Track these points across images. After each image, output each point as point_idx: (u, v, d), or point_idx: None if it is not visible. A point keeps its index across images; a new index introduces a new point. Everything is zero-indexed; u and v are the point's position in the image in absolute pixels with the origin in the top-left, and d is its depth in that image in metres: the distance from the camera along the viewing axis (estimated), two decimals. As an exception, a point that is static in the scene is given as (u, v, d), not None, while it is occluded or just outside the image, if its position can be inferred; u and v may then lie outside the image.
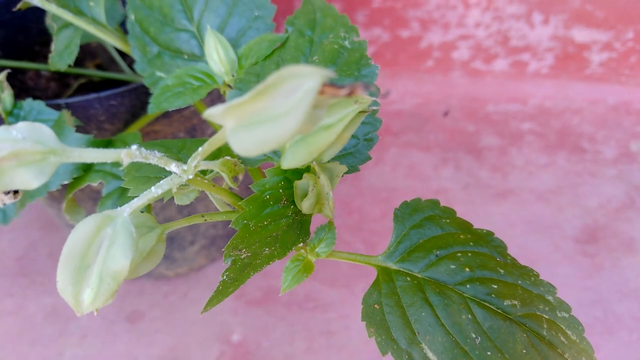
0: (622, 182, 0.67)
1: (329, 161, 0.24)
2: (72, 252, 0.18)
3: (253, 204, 0.22)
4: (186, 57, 0.35)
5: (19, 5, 0.38)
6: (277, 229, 0.23)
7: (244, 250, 0.23)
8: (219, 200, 0.25)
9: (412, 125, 0.77)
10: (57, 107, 0.37)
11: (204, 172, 0.26)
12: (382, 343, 0.24)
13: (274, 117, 0.15)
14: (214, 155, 0.26)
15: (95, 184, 0.35)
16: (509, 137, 0.74)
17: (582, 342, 0.24)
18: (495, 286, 0.25)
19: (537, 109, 0.78)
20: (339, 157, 0.27)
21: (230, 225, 0.22)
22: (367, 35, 0.80)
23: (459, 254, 0.26)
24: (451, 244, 0.26)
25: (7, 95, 0.36)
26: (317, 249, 0.27)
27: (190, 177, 0.20)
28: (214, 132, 0.48)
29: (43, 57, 0.54)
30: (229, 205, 0.25)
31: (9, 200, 0.17)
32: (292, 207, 0.24)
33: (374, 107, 0.25)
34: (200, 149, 0.19)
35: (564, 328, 0.24)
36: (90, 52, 0.54)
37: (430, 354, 0.23)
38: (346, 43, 0.30)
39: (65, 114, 0.36)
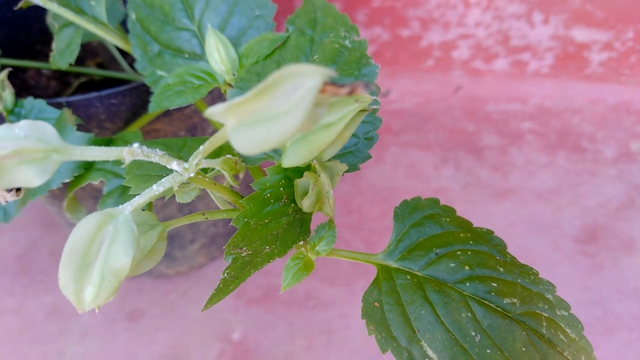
0: (622, 182, 0.67)
1: (329, 160, 0.24)
2: (73, 249, 0.18)
3: (254, 202, 0.22)
4: (187, 56, 0.35)
5: (20, 4, 0.39)
6: (277, 227, 0.23)
7: (244, 248, 0.23)
8: (220, 199, 0.25)
9: (412, 125, 0.77)
10: (58, 106, 0.37)
11: (205, 171, 0.26)
12: (382, 341, 0.24)
13: (275, 116, 0.15)
14: (215, 154, 0.26)
15: (96, 183, 0.35)
16: (509, 137, 0.74)
17: (582, 340, 0.24)
18: (495, 284, 0.25)
19: (537, 108, 0.78)
20: (339, 156, 0.27)
21: (231, 224, 0.22)
22: (367, 35, 0.81)
23: (459, 253, 0.26)
24: (451, 242, 0.26)
25: (8, 93, 0.36)
26: (317, 247, 0.27)
27: (192, 175, 0.20)
28: (214, 131, 0.48)
29: (44, 55, 0.54)
30: (229, 203, 0.25)
31: (11, 197, 0.17)
32: (292, 205, 0.24)
33: (374, 106, 0.25)
34: (201, 147, 0.19)
35: (563, 326, 0.24)
36: (91, 50, 0.54)
37: (430, 352, 0.23)
38: (347, 42, 0.30)
39: (66, 112, 0.36)
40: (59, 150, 0.17)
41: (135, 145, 0.18)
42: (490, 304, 0.25)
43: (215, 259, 0.61)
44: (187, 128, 0.45)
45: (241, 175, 0.26)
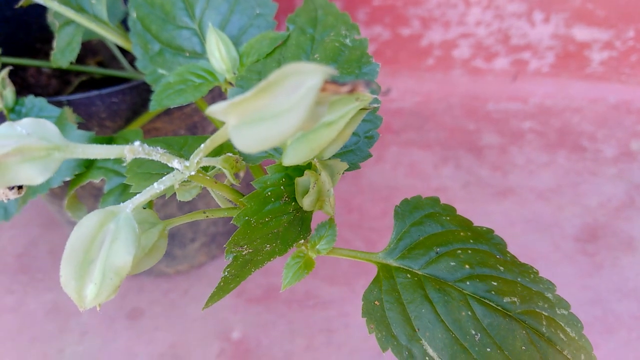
0: (622, 181, 0.67)
1: (330, 158, 0.24)
2: (75, 247, 0.18)
3: (254, 200, 0.22)
4: (188, 54, 0.35)
5: (21, 3, 0.39)
6: (278, 225, 0.23)
7: (245, 246, 0.23)
8: (221, 197, 0.26)
9: (412, 124, 0.77)
10: (59, 104, 0.37)
11: (205, 169, 0.26)
12: (383, 339, 0.24)
13: (276, 114, 0.15)
14: (216, 152, 0.26)
15: (97, 181, 0.35)
16: (510, 136, 0.74)
17: (581, 339, 0.24)
18: (495, 283, 0.25)
19: (538, 107, 0.78)
20: (340, 154, 0.27)
21: (231, 222, 0.22)
22: (367, 33, 0.81)
23: (459, 251, 0.26)
24: (451, 241, 0.26)
25: (9, 92, 0.36)
26: (317, 246, 0.27)
27: (193, 173, 0.20)
28: (215, 129, 0.48)
29: (44, 54, 0.54)
30: (230, 201, 0.25)
31: (13, 195, 0.17)
32: (293, 203, 0.24)
33: (375, 105, 0.25)
34: (202, 145, 0.19)
35: (563, 325, 0.25)
36: (91, 49, 0.54)
37: (430, 350, 0.23)
38: (347, 41, 0.30)
39: (67, 111, 0.36)
40: (61, 148, 0.17)
41: (137, 143, 0.18)
42: (490, 303, 0.25)
43: (215, 257, 0.61)
44: (187, 127, 0.45)
45: (242, 174, 0.26)
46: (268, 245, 0.24)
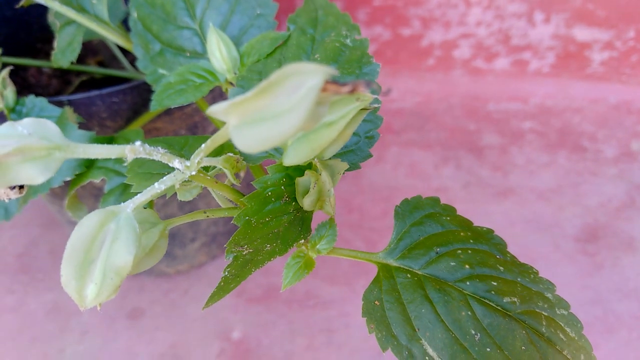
0: (622, 181, 0.67)
1: (330, 158, 0.24)
2: (76, 247, 0.18)
3: (255, 200, 0.22)
4: (188, 54, 0.35)
5: (22, 3, 0.39)
6: (278, 225, 0.23)
7: (245, 246, 0.23)
8: (221, 197, 0.26)
9: (413, 124, 0.78)
10: (60, 104, 0.37)
11: (206, 169, 0.26)
12: (383, 339, 0.24)
13: (277, 115, 0.15)
14: (216, 152, 0.26)
15: (97, 181, 0.35)
16: (510, 136, 0.74)
17: (581, 339, 0.24)
18: (495, 283, 0.25)
19: (538, 107, 0.78)
20: (341, 155, 0.27)
21: (232, 222, 0.22)
22: (368, 33, 0.81)
23: (459, 251, 0.26)
24: (451, 241, 0.26)
25: (10, 92, 0.36)
26: (318, 246, 0.27)
27: (193, 173, 0.20)
28: (215, 129, 0.48)
29: (45, 54, 0.54)
30: (231, 201, 0.25)
31: (14, 195, 0.17)
32: (293, 203, 0.24)
33: (376, 105, 0.25)
34: (203, 145, 0.19)
35: (562, 325, 0.25)
36: (91, 49, 0.54)
37: (430, 350, 0.23)
38: (348, 41, 0.30)
39: (68, 110, 0.36)
40: (61, 148, 0.17)
41: (138, 143, 0.18)
42: (490, 303, 0.25)
43: (215, 257, 0.61)
44: (187, 126, 0.45)
45: (242, 174, 0.26)
46: (268, 245, 0.24)
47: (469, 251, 0.26)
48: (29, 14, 0.53)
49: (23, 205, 0.35)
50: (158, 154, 0.19)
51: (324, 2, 0.33)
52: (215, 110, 0.16)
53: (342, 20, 0.32)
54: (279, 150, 0.28)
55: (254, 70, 0.31)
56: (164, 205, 0.50)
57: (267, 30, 0.34)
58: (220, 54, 0.32)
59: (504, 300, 0.24)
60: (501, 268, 0.25)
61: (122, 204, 0.19)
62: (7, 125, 0.17)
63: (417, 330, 0.24)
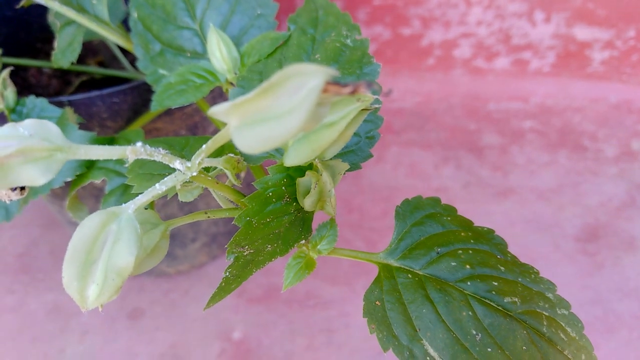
0: (623, 181, 0.67)
1: (331, 159, 0.24)
2: (77, 248, 0.18)
3: (256, 201, 0.22)
4: (189, 54, 0.35)
5: (22, 3, 0.39)
6: (279, 226, 0.23)
7: (246, 247, 0.23)
8: (222, 197, 0.26)
9: (413, 124, 0.77)
10: (60, 105, 0.37)
11: (207, 169, 0.26)
12: (384, 339, 0.24)
13: (278, 115, 0.15)
14: (217, 153, 0.26)
15: (97, 181, 0.35)
16: (510, 136, 0.74)
17: (582, 339, 0.24)
18: (496, 283, 0.25)
19: (539, 107, 0.78)
20: (341, 155, 0.27)
21: (233, 222, 0.22)
22: (368, 33, 0.81)
23: (460, 252, 0.26)
24: (452, 241, 0.26)
25: (10, 92, 0.36)
26: (318, 246, 0.27)
27: (194, 174, 0.20)
28: (215, 130, 0.48)
29: (45, 54, 0.54)
30: (231, 202, 0.25)
31: (15, 196, 0.17)
32: (294, 204, 0.24)
33: (376, 105, 0.25)
34: (204, 146, 0.19)
35: (563, 325, 0.25)
36: (92, 49, 0.54)
37: (431, 350, 0.23)
38: (348, 41, 0.30)
39: (68, 111, 0.36)
40: (63, 149, 0.17)
41: (139, 144, 0.18)
42: (491, 303, 0.25)
43: (216, 257, 0.61)
44: (188, 127, 0.45)
45: (242, 174, 0.26)
46: (269, 246, 0.24)
47: (470, 251, 0.26)
48: (29, 14, 0.53)
49: (24, 205, 0.35)
50: (159, 154, 0.19)
51: (324, 2, 0.32)
52: (217, 111, 0.16)
53: (342, 20, 0.31)
54: (279, 151, 0.28)
55: (255, 71, 0.31)
56: (164, 206, 0.50)
57: (267, 30, 0.34)
58: (220, 54, 0.32)
59: (505, 301, 0.24)
60: (502, 268, 0.25)
61: (124, 204, 0.19)
62: (8, 126, 0.17)
63: (418, 330, 0.24)
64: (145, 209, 0.23)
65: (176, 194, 0.25)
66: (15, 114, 0.36)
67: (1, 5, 0.52)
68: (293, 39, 0.31)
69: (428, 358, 0.23)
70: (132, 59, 0.50)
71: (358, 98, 0.20)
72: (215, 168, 0.26)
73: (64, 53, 0.37)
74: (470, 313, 0.24)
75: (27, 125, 0.17)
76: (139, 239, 0.19)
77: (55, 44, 0.38)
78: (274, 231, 0.23)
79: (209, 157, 0.21)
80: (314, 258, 0.27)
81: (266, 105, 0.15)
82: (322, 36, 0.31)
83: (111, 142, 0.37)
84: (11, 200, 0.17)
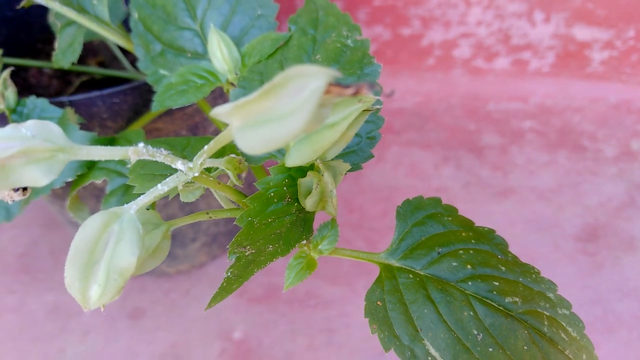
0: (622, 181, 0.67)
1: (332, 159, 0.24)
2: (79, 248, 0.18)
3: (257, 201, 0.22)
4: (189, 55, 0.35)
5: (23, 3, 0.39)
6: (280, 226, 0.24)
7: (248, 247, 0.23)
8: (224, 198, 0.26)
9: (413, 124, 0.78)
10: (61, 105, 0.37)
11: (208, 170, 0.26)
12: (385, 339, 0.24)
13: (281, 116, 0.15)
14: (219, 153, 0.26)
15: (98, 182, 0.35)
16: (510, 136, 0.75)
17: (583, 339, 0.25)
18: (497, 283, 0.25)
19: (538, 107, 0.79)
20: (342, 155, 0.27)
21: (235, 222, 0.22)
22: (368, 33, 0.81)
23: (461, 252, 0.26)
24: (453, 241, 0.26)
25: (11, 92, 0.36)
26: (320, 246, 0.27)
27: (196, 174, 0.20)
28: (216, 130, 0.48)
29: (45, 54, 0.54)
30: (233, 202, 0.26)
31: (17, 197, 0.17)
32: (295, 204, 0.24)
33: (378, 106, 0.25)
34: (206, 146, 0.19)
35: (564, 325, 0.25)
36: (92, 49, 0.54)
37: (432, 350, 0.23)
38: (349, 42, 0.30)
39: (69, 111, 0.36)
40: (65, 149, 0.17)
41: (141, 144, 0.18)
42: (492, 303, 0.25)
43: (216, 257, 0.61)
44: (188, 127, 0.45)
45: (243, 175, 0.26)
46: (271, 246, 0.24)
47: (471, 251, 0.26)
48: (30, 15, 0.53)
49: (25, 206, 0.35)
50: (161, 155, 0.19)
51: (324, 2, 0.33)
52: (219, 113, 0.16)
53: (343, 21, 0.32)
54: (281, 152, 0.28)
55: (255, 71, 0.31)
56: (165, 206, 0.50)
57: (268, 30, 0.34)
58: (221, 54, 0.32)
59: (506, 300, 0.25)
60: (503, 268, 0.25)
61: (126, 205, 0.19)
62: (10, 127, 0.17)
63: (419, 330, 0.24)
64: (147, 209, 0.23)
65: (177, 194, 0.25)
66: (16, 114, 0.36)
67: (1, 5, 0.52)
68: (294, 40, 0.32)
69: (429, 358, 0.23)
70: (132, 59, 0.50)
71: (360, 99, 0.20)
72: (216, 168, 0.26)
73: (64, 53, 0.37)
74: (471, 313, 0.24)
75: (30, 126, 0.17)
76: (141, 240, 0.19)
77: (56, 44, 0.38)
78: (276, 231, 0.24)
79: (210, 157, 0.21)
80: (315, 258, 0.27)
81: (268, 107, 0.15)
82: (323, 37, 0.31)
83: (112, 142, 0.37)
84: (13, 200, 0.17)
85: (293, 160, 0.21)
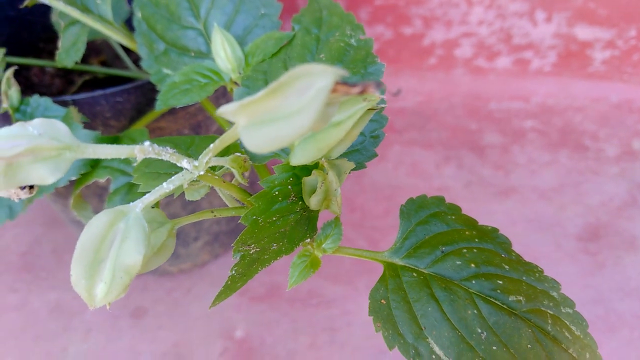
0: (624, 180, 0.67)
1: (336, 158, 0.25)
2: (85, 246, 0.18)
3: (262, 199, 0.23)
4: (193, 54, 0.35)
5: (26, 3, 0.39)
6: (285, 224, 0.24)
7: (252, 245, 0.23)
8: (228, 196, 0.26)
9: (415, 123, 0.78)
10: (63, 104, 0.37)
11: (213, 168, 0.26)
12: (389, 337, 0.24)
13: (287, 115, 0.15)
14: (222, 152, 0.26)
15: (102, 180, 0.35)
16: (512, 135, 0.75)
17: (586, 337, 0.25)
18: (501, 282, 0.25)
19: (540, 106, 0.79)
20: (346, 154, 0.27)
21: (239, 221, 0.22)
22: (370, 33, 0.81)
23: (465, 250, 0.26)
24: (457, 240, 0.26)
25: (14, 91, 0.36)
26: (323, 245, 0.27)
27: (202, 173, 0.20)
28: (219, 129, 0.48)
29: (47, 53, 0.54)
30: (237, 200, 0.26)
31: (24, 195, 0.17)
32: (300, 203, 0.24)
33: (382, 105, 0.25)
34: (211, 145, 0.19)
35: (568, 324, 0.25)
36: (94, 48, 0.54)
37: (436, 349, 0.24)
38: (352, 41, 0.30)
39: (73, 110, 0.36)
40: (72, 148, 0.17)
41: (147, 143, 0.18)
42: (496, 302, 0.25)
43: (218, 256, 0.62)
44: (191, 126, 0.46)
45: (246, 173, 0.26)
46: (275, 244, 0.24)
47: (474, 250, 0.26)
48: (32, 14, 0.53)
49: (28, 204, 0.35)
50: (167, 154, 0.19)
51: (328, 2, 0.33)
52: (225, 111, 0.16)
53: (346, 20, 0.32)
54: (285, 150, 0.28)
55: (259, 70, 0.31)
56: (167, 205, 0.50)
57: (271, 30, 0.34)
58: (225, 53, 0.32)
59: (510, 299, 0.25)
60: (506, 267, 0.26)
61: (131, 203, 0.19)
62: (17, 125, 0.17)
63: (423, 328, 0.24)
64: (152, 207, 0.23)
65: (180, 193, 0.26)
66: (19, 113, 0.36)
67: (4, 4, 0.52)
68: (297, 39, 0.32)
69: (434, 356, 0.23)
70: (134, 58, 0.50)
71: (365, 98, 0.20)
72: (221, 167, 0.26)
73: (68, 52, 0.37)
74: (475, 311, 0.24)
75: (36, 125, 0.17)
76: (146, 238, 0.19)
77: (60, 43, 0.38)
78: (280, 230, 0.24)
79: (215, 156, 0.21)
80: (319, 257, 0.27)
81: (275, 105, 0.15)
82: (327, 36, 0.31)
83: (115, 141, 0.37)
84: (20, 199, 0.17)
85: (298, 158, 0.21)
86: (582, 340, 0.24)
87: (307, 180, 0.24)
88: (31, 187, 0.17)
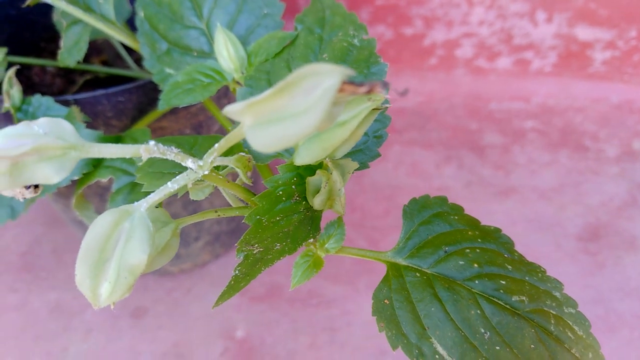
0: (624, 181, 0.67)
1: (340, 158, 0.25)
2: (90, 246, 0.18)
3: (266, 199, 0.23)
4: (195, 54, 0.35)
5: (28, 2, 0.39)
6: (288, 224, 0.24)
7: (256, 245, 0.23)
8: (232, 196, 0.26)
9: (415, 123, 0.78)
10: (65, 103, 0.37)
11: (217, 168, 0.26)
12: (393, 337, 0.24)
13: (294, 114, 0.15)
14: (226, 152, 0.26)
15: (104, 180, 0.35)
16: (512, 135, 0.75)
17: (589, 337, 0.25)
18: (504, 282, 0.25)
19: (540, 107, 0.79)
20: (349, 154, 0.27)
21: (243, 221, 0.22)
22: (371, 33, 0.81)
23: (468, 250, 0.26)
24: (459, 240, 0.26)
25: (16, 91, 0.36)
26: (326, 245, 0.27)
27: (206, 172, 0.20)
28: (220, 129, 0.48)
29: (49, 53, 0.54)
30: (240, 200, 0.26)
31: (29, 194, 0.17)
32: (303, 203, 0.24)
33: (386, 105, 0.25)
34: (216, 145, 0.19)
35: (570, 324, 0.25)
36: (96, 48, 0.54)
37: (440, 349, 0.24)
38: (355, 41, 0.30)
39: (75, 110, 0.36)
40: (77, 147, 0.17)
41: (152, 143, 0.18)
42: (499, 302, 0.25)
43: (219, 256, 0.61)
44: (192, 126, 0.46)
45: (249, 173, 0.26)
46: (278, 244, 0.24)
47: (477, 250, 0.26)
48: (33, 13, 0.53)
49: (30, 204, 0.35)
50: (172, 153, 0.19)
51: (331, 2, 0.33)
52: (231, 111, 0.16)
53: (349, 20, 0.32)
54: (288, 150, 0.28)
55: (262, 70, 0.31)
56: (168, 205, 0.50)
57: (274, 29, 0.34)
58: (227, 53, 0.32)
59: (513, 299, 0.25)
60: (509, 267, 0.26)
61: (136, 203, 0.19)
62: (23, 124, 0.17)
63: (426, 328, 0.24)
64: (156, 207, 0.23)
65: (183, 193, 0.25)
66: (21, 112, 0.36)
67: (5, 4, 0.52)
68: (300, 39, 0.32)
69: (437, 356, 0.23)
70: (136, 57, 0.50)
71: (369, 97, 0.20)
72: (225, 167, 0.26)
73: (70, 52, 0.37)
74: (478, 311, 0.24)
75: (42, 124, 0.17)
76: (151, 237, 0.19)
77: (62, 43, 0.38)
78: (284, 230, 0.24)
79: (219, 156, 0.21)
80: (322, 257, 0.27)
81: (281, 105, 0.15)
82: (330, 36, 0.31)
83: (117, 140, 0.37)
84: (25, 198, 0.17)
85: (302, 158, 0.21)
86: (585, 341, 0.24)
87: (311, 180, 0.24)
88: (36, 186, 0.17)
